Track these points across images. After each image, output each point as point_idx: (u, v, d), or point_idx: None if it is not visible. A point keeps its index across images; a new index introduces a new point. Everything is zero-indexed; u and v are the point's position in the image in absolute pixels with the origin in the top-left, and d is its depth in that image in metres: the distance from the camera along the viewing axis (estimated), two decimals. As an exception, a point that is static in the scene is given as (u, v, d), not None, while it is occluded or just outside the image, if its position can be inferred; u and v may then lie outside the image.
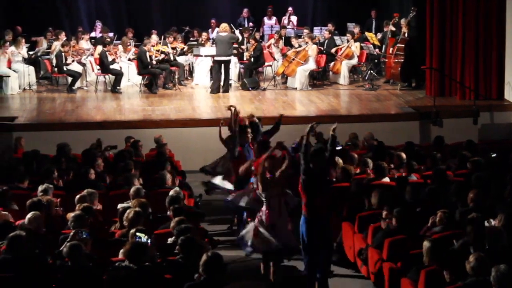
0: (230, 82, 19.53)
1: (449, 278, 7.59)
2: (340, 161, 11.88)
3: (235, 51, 19.57)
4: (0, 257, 8.04)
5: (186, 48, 20.64)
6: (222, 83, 18.78)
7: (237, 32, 19.51)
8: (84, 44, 20.81)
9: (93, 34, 22.19)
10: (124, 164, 12.25)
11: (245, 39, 20.68)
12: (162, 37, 20.61)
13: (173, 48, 20.32)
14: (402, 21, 19.12)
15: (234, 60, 19.96)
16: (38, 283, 7.82)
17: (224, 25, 18.74)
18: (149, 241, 8.34)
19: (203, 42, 20.15)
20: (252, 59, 20.04)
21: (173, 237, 8.74)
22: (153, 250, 8.37)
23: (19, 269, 7.82)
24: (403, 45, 18.77)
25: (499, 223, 8.48)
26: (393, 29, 19.67)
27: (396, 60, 18.86)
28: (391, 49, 19.08)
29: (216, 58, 18.63)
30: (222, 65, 18.57)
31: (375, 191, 10.15)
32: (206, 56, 19.38)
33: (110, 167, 12.74)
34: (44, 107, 17.60)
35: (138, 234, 8.40)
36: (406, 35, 18.87)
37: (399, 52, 18.80)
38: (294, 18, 23.35)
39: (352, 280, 10.10)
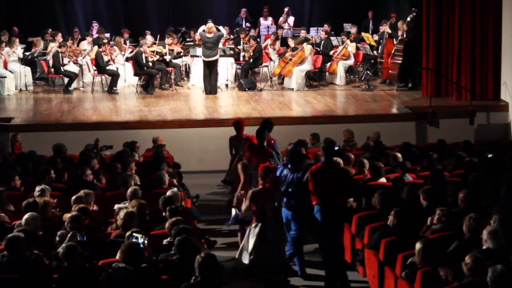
0: (226, 82, 19.55)
1: (444, 275, 7.61)
2: (340, 161, 11.87)
3: (231, 52, 19.55)
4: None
5: (182, 52, 20.59)
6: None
7: (221, 28, 19.34)
8: (86, 45, 20.77)
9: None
10: (121, 165, 12.24)
11: (241, 39, 20.68)
12: (158, 37, 20.61)
13: (171, 50, 20.28)
14: (400, 22, 19.11)
15: (230, 60, 19.96)
16: (36, 284, 7.81)
17: (210, 26, 18.68)
18: (146, 241, 8.33)
19: (198, 42, 20.14)
20: (251, 60, 20.03)
21: (169, 238, 8.73)
22: (149, 251, 8.37)
23: (17, 270, 7.82)
24: (402, 46, 18.76)
25: (494, 224, 8.48)
26: (389, 31, 19.67)
27: (394, 61, 18.85)
28: (391, 49, 19.05)
29: (204, 59, 18.63)
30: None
31: (377, 192, 10.17)
32: (202, 56, 19.36)
33: (106, 167, 12.72)
34: (40, 107, 17.60)
35: (134, 234, 8.40)
36: (404, 36, 18.88)
37: (397, 53, 18.79)
38: (291, 19, 23.34)
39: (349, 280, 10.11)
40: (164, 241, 8.81)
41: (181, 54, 20.58)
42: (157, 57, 19.64)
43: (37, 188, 10.46)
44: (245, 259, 9.88)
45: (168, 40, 20.39)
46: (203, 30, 18.55)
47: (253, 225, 9.87)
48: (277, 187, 9.95)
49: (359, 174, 11.71)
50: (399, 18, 19.74)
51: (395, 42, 19.08)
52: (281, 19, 23.20)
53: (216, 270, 7.30)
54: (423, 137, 16.34)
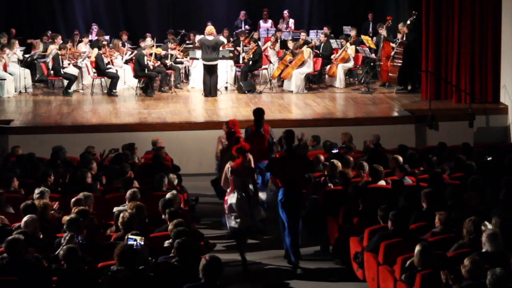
0: (226, 85, 19.55)
1: (445, 279, 7.60)
2: (339, 164, 11.90)
3: (231, 54, 19.56)
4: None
5: (181, 57, 20.57)
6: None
7: (221, 37, 19.48)
8: (83, 47, 20.77)
9: (90, 37, 22.14)
10: (120, 167, 12.24)
11: (241, 42, 20.68)
12: (155, 39, 20.63)
13: (171, 55, 20.27)
14: (400, 25, 19.11)
15: (230, 63, 19.96)
16: (35, 286, 7.80)
17: (210, 28, 18.71)
18: (142, 243, 8.30)
19: (197, 45, 20.13)
20: (251, 62, 20.04)
21: (170, 240, 8.72)
22: (146, 253, 8.35)
23: (16, 273, 7.81)
24: (402, 49, 18.76)
25: (494, 227, 8.49)
26: (385, 34, 19.66)
27: (394, 64, 18.84)
28: (389, 52, 19.03)
29: (204, 63, 18.65)
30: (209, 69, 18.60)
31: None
32: (202, 59, 19.34)
33: (106, 170, 12.71)
34: (40, 110, 17.59)
35: (131, 236, 8.39)
36: (404, 38, 18.88)
37: (397, 56, 18.79)
38: (291, 21, 23.36)
39: (348, 283, 10.11)
40: (166, 243, 8.80)
41: (181, 59, 20.55)
42: (158, 63, 19.62)
43: (37, 191, 10.45)
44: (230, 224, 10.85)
45: (171, 45, 20.41)
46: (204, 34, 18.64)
47: (230, 196, 10.84)
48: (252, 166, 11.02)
49: (358, 177, 11.71)
50: (399, 21, 19.73)
51: (392, 44, 19.09)
52: (282, 24, 23.20)
53: (219, 273, 7.30)
54: (422, 140, 16.35)
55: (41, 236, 9.07)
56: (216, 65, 18.67)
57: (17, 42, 19.96)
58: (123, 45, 20.66)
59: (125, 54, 20.23)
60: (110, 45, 20.62)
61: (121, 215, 9.11)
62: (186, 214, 10.35)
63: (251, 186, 10.80)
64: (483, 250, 7.94)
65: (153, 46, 19.97)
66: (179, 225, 8.80)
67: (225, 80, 19.60)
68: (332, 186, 11.63)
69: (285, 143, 11.00)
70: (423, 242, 8.21)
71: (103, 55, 19.28)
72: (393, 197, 10.53)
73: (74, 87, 19.44)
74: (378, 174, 11.36)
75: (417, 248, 8.01)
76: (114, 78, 19.23)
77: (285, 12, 23.49)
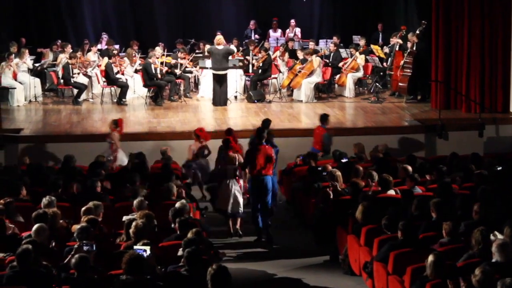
0: (235, 94, 19.58)
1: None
2: (338, 173, 11.90)
3: (240, 63, 19.59)
4: (8, 270, 8.04)
5: (191, 66, 20.62)
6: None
7: (232, 46, 19.56)
8: (92, 56, 20.83)
9: (99, 46, 22.21)
10: (129, 176, 12.25)
11: (251, 51, 20.71)
12: (165, 49, 20.67)
13: (180, 64, 20.33)
14: (410, 35, 19.12)
15: (239, 72, 19.99)
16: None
17: (219, 37, 18.76)
18: (149, 252, 8.30)
19: (207, 54, 20.17)
20: (260, 70, 20.05)
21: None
22: (153, 262, 8.35)
23: (26, 282, 7.81)
24: (411, 59, 18.75)
25: (506, 236, 8.45)
26: (401, 42, 19.67)
27: (404, 73, 18.84)
28: (400, 62, 19.02)
29: (213, 72, 18.69)
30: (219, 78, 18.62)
31: (360, 205, 10.22)
32: (211, 68, 19.39)
33: (115, 179, 12.72)
34: (49, 119, 17.65)
35: (139, 247, 8.38)
36: (414, 48, 18.87)
37: (407, 65, 18.78)
38: (297, 30, 23.40)
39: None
40: (180, 252, 8.77)
41: (191, 68, 20.59)
42: (166, 68, 19.68)
43: (44, 200, 10.44)
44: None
45: (181, 55, 20.47)
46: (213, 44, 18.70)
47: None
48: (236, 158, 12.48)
49: (367, 187, 11.70)
50: (408, 31, 19.73)
51: (404, 54, 19.08)
52: (289, 33, 23.24)
53: (227, 282, 7.29)
54: (432, 150, 16.32)
55: (52, 245, 9.07)
56: (226, 74, 18.72)
57: (27, 51, 20.04)
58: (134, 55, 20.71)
59: (135, 63, 20.26)
60: (122, 53, 20.67)
61: (134, 223, 9.11)
62: (196, 223, 10.35)
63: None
64: (493, 260, 7.92)
65: (163, 55, 20.01)
66: (198, 234, 8.83)
67: (234, 89, 19.64)
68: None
69: (256, 135, 12.68)
70: (435, 252, 8.17)
71: (112, 64, 19.34)
72: (400, 206, 10.52)
73: (83, 96, 19.50)
74: (388, 184, 11.35)
75: (430, 259, 7.95)
76: (124, 87, 19.28)
77: (292, 21, 23.54)
